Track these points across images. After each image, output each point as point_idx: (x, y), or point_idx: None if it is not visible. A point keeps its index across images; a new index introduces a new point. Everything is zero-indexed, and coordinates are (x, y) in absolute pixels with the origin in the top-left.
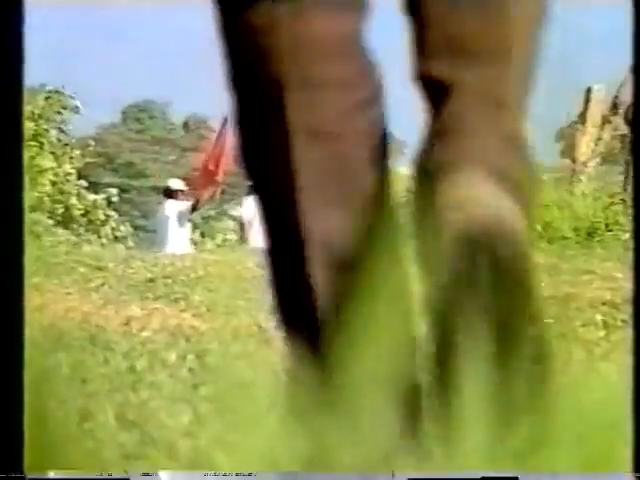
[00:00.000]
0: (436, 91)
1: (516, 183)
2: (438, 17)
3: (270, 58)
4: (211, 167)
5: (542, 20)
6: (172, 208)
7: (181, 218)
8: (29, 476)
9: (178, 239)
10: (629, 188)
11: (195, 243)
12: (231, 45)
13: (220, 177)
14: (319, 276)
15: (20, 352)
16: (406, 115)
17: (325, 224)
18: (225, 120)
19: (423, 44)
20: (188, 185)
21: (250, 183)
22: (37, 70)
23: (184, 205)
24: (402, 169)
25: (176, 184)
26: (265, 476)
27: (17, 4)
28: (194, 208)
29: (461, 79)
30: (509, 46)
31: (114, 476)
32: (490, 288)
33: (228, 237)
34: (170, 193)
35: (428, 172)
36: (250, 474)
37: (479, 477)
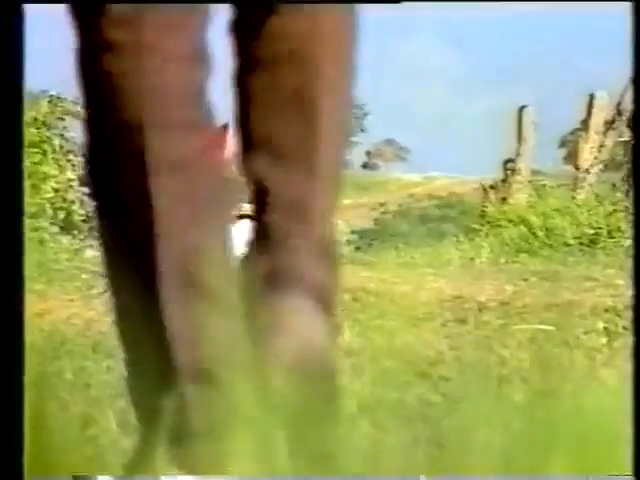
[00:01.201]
0: (258, 192)
1: (327, 296)
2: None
3: (131, 102)
4: None
5: (347, 131)
6: None
7: None
8: None
9: None
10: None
11: None
12: (90, 86)
13: None
14: (173, 297)
15: (20, 357)
16: (407, 123)
17: (180, 246)
18: (225, 125)
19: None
20: None
21: (98, 210)
22: (39, 76)
23: None
24: (403, 175)
25: None
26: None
27: (17, 7)
28: None
29: (276, 184)
30: (317, 156)
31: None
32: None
33: None
34: None
35: (253, 281)
36: (251, 477)
37: None
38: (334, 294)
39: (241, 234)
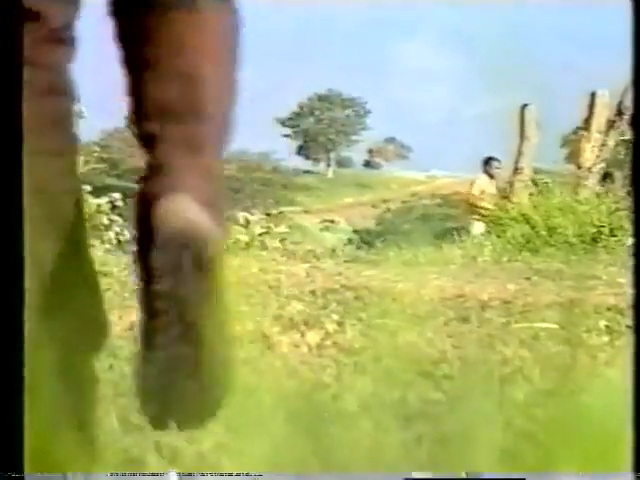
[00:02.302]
0: (148, 141)
1: (214, 207)
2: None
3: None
4: None
5: (234, 81)
6: None
7: None
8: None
9: None
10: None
11: None
12: None
13: None
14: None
15: (20, 353)
16: (409, 121)
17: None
18: None
19: (139, 111)
20: None
21: None
22: None
23: None
24: (405, 173)
25: None
26: (268, 478)
27: (17, 4)
28: None
29: (167, 134)
30: (204, 108)
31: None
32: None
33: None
34: None
35: (146, 201)
36: (252, 475)
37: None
38: (219, 208)
39: None
